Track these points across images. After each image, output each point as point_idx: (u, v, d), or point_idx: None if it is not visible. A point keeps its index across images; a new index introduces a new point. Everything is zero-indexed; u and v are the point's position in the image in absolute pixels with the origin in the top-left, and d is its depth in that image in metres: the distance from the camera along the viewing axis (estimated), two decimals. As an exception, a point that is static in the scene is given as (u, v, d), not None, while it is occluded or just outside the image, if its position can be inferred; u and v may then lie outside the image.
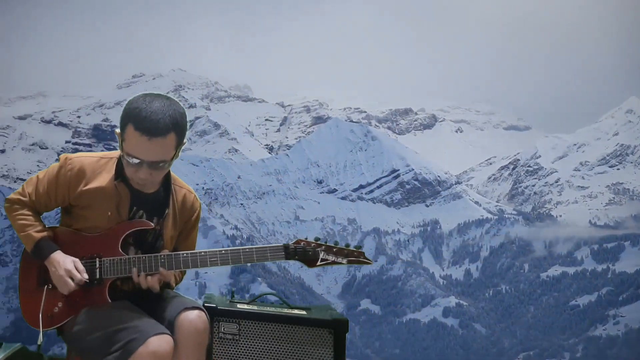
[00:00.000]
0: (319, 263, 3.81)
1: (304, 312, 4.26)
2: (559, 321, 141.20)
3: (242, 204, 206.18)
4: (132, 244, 3.78)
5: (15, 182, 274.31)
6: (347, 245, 3.85)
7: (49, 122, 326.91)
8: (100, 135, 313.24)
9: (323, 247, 3.81)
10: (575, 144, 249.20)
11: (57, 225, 3.86)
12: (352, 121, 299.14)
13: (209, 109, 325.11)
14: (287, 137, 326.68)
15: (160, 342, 3.37)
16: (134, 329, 3.41)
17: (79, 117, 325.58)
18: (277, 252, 3.78)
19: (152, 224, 3.74)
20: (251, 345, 4.06)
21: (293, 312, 4.23)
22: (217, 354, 4.02)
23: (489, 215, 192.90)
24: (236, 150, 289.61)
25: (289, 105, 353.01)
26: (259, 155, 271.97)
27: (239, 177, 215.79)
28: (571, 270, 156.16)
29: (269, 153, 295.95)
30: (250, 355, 4.04)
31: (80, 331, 3.59)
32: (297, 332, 4.12)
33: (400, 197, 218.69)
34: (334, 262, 3.81)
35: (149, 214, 3.78)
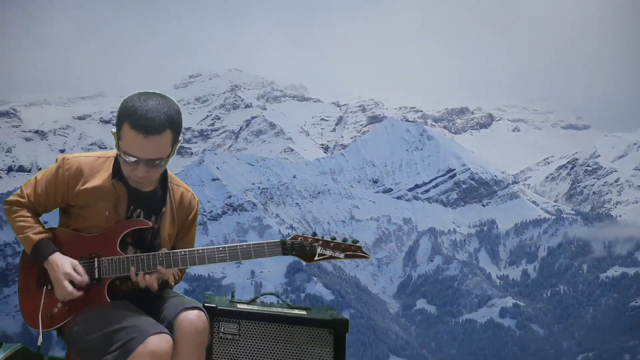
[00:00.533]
0: (316, 258, 3.78)
1: (304, 312, 4.26)
2: (619, 322, 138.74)
3: (297, 204, 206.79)
4: (131, 243, 3.79)
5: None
6: (345, 240, 3.84)
7: (107, 122, 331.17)
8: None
9: (320, 242, 3.80)
10: (635, 143, 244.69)
11: (56, 225, 3.88)
12: (407, 120, 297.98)
13: (265, 109, 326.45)
14: (342, 137, 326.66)
15: (159, 341, 3.36)
16: (133, 329, 3.40)
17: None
18: (274, 248, 3.77)
19: (150, 223, 3.75)
20: (251, 345, 4.08)
21: (293, 312, 4.24)
22: (217, 354, 4.05)
23: (547, 215, 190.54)
24: (292, 150, 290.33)
25: (344, 104, 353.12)
26: (314, 155, 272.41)
27: (294, 177, 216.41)
28: (631, 271, 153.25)
29: (325, 152, 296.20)
30: (250, 355, 4.07)
31: (80, 331, 3.58)
32: (297, 332, 4.14)
33: (456, 196, 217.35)
34: (331, 257, 3.79)
35: (147, 212, 3.80)
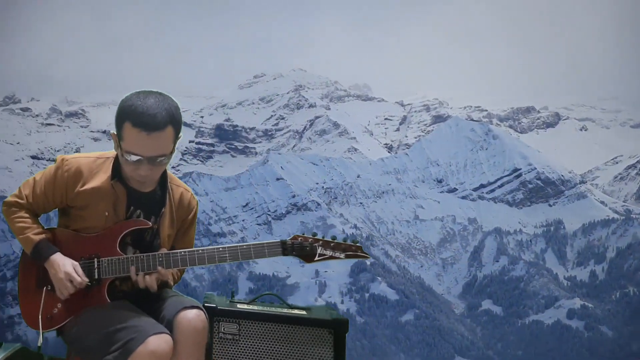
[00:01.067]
0: (316, 258, 3.79)
1: (304, 312, 4.27)
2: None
3: (361, 203, 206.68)
4: (130, 243, 3.78)
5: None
6: (345, 240, 3.86)
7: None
8: (223, 135, 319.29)
9: (320, 242, 3.80)
10: None
11: (55, 226, 3.88)
12: (472, 120, 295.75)
13: (329, 109, 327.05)
14: (406, 136, 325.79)
15: (159, 341, 3.36)
16: (133, 329, 3.40)
17: (202, 117, 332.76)
18: (274, 248, 3.76)
19: (150, 223, 3.74)
20: (251, 345, 4.10)
21: (293, 312, 4.25)
22: (217, 354, 4.07)
23: (616, 216, 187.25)
24: (355, 150, 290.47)
25: (408, 104, 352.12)
26: (378, 155, 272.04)
27: (358, 176, 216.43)
28: None
29: (388, 152, 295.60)
30: (250, 355, 4.08)
31: (80, 331, 3.58)
32: (297, 332, 4.15)
33: (522, 196, 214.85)
34: (331, 257, 3.81)
35: (146, 213, 3.79)
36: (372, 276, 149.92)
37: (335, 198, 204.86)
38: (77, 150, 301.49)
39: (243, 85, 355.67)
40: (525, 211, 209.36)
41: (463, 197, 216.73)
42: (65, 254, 3.67)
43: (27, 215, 3.72)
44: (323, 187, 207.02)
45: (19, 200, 3.73)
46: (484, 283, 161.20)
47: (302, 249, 3.76)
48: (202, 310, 3.61)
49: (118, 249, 3.68)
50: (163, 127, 3.47)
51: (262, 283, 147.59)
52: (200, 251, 3.73)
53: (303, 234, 3.82)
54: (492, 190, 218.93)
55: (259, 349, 4.02)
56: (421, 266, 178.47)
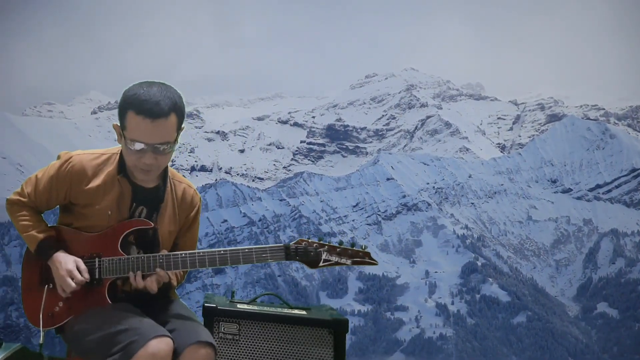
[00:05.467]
0: (321, 264, 3.70)
1: (304, 312, 4.25)
2: None
3: (472, 204, 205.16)
4: (133, 242, 3.78)
5: (253, 181, 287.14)
6: (352, 245, 3.75)
7: (285, 122, 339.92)
8: (334, 135, 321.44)
9: (326, 247, 3.71)
10: None
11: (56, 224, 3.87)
12: (589, 119, 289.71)
13: (441, 108, 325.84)
14: (520, 136, 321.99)
15: (160, 344, 3.35)
16: (134, 331, 3.38)
17: (313, 117, 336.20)
18: (277, 253, 3.69)
19: (152, 223, 3.72)
20: (251, 345, 4.07)
21: (293, 312, 4.23)
22: (217, 354, 3.92)
23: None
24: (467, 149, 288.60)
25: (522, 103, 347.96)
26: (490, 154, 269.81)
27: (470, 176, 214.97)
28: None
29: (501, 152, 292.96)
30: (250, 355, 4.05)
31: (80, 332, 3.57)
32: (297, 332, 4.11)
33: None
34: (337, 263, 3.71)
35: (150, 210, 3.78)
36: (483, 277, 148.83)
37: (446, 198, 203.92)
38: (192, 151, 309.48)
39: (354, 85, 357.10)
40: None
41: (578, 198, 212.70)
42: (66, 253, 3.70)
43: (29, 213, 3.76)
44: (434, 187, 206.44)
45: (21, 199, 3.75)
46: (600, 285, 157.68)
47: (306, 254, 3.68)
48: (214, 349, 3.53)
49: (119, 248, 3.68)
50: (166, 114, 3.45)
51: (371, 283, 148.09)
52: (201, 253, 3.69)
53: (308, 239, 3.73)
54: (609, 191, 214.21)
55: (259, 349, 4.05)
56: (534, 267, 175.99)
